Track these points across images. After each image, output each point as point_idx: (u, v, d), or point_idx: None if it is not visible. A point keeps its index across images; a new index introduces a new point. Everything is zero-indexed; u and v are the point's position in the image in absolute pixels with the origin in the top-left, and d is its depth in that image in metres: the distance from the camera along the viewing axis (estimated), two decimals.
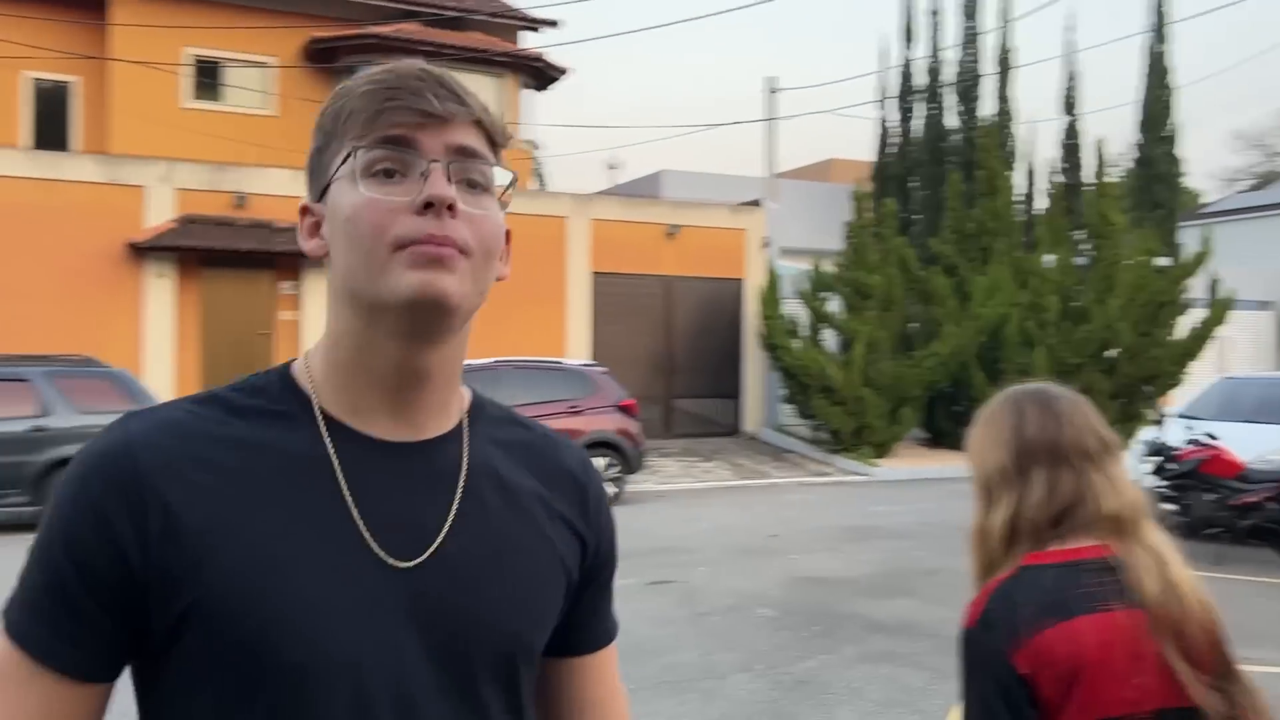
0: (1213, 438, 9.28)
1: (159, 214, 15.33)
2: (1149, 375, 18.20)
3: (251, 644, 0.91)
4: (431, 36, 19.58)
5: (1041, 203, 22.99)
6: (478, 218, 0.97)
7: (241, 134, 18.15)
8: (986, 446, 1.74)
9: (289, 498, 0.96)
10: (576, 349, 17.17)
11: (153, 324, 15.26)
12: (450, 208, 0.94)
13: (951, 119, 22.99)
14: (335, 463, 0.98)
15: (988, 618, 1.60)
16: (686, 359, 18.45)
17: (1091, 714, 1.52)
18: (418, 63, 1.01)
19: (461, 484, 1.03)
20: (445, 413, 1.05)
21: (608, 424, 12.27)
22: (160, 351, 15.27)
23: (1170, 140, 22.50)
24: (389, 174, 0.96)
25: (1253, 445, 9.75)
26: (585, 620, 1.14)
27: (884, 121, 24.22)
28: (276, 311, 16.11)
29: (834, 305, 17.44)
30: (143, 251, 15.04)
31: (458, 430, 1.06)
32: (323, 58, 19.51)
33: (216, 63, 19.14)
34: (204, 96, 18.98)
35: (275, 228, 15.75)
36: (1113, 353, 17.98)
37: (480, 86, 19.01)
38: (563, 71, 20.63)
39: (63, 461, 10.34)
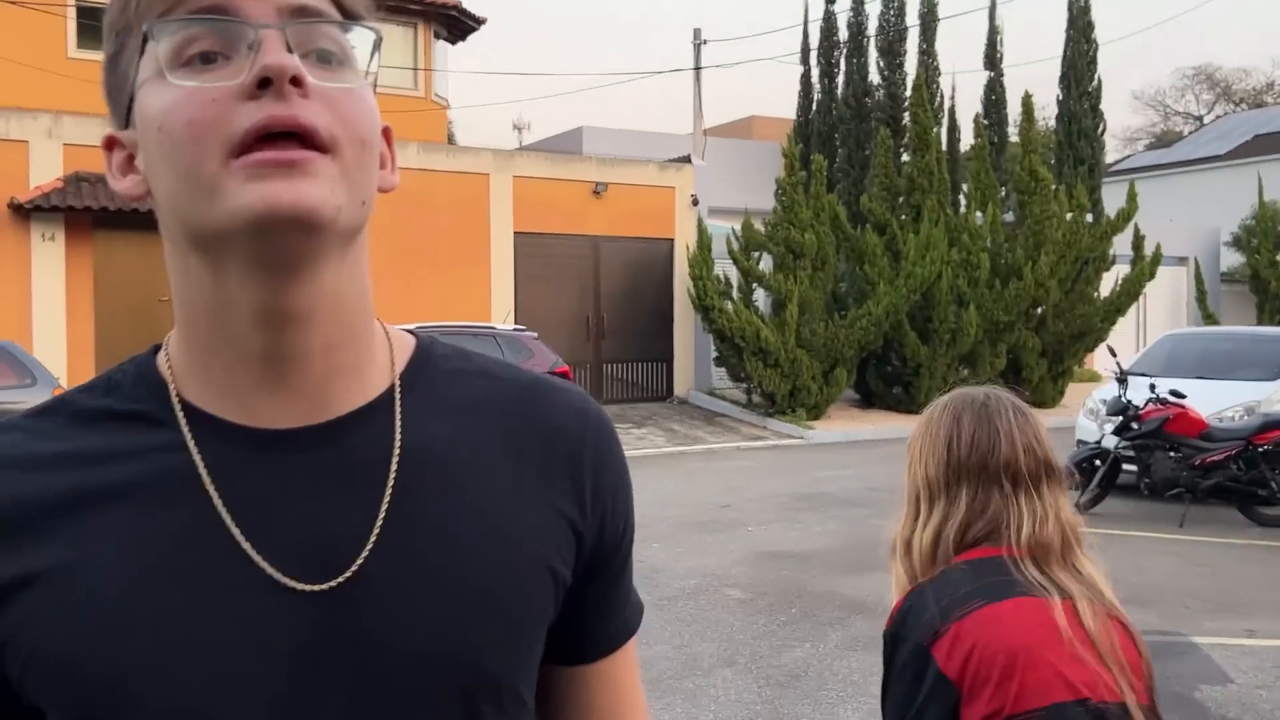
0: (1179, 395, 9.03)
1: (45, 171, 14.14)
2: (1077, 332, 18.19)
3: (93, 717, 0.71)
4: None
5: (964, 159, 22.88)
6: (338, 95, 0.72)
7: None
8: (920, 456, 1.67)
9: (142, 522, 0.74)
10: (501, 313, 16.44)
11: (41, 291, 14.10)
12: (296, 81, 0.69)
13: (875, 75, 22.70)
14: (201, 467, 0.76)
15: (904, 614, 1.55)
16: (615, 322, 17.84)
17: (1039, 698, 1.41)
18: None
19: (393, 475, 0.78)
20: (357, 378, 0.80)
21: None
22: (51, 321, 14.13)
23: (1093, 96, 22.49)
24: (207, 59, 0.71)
25: (1203, 402, 9.56)
26: (594, 621, 0.89)
27: (807, 77, 23.83)
28: None
29: (764, 264, 16.97)
30: (27, 212, 13.85)
31: (385, 400, 0.81)
32: None
33: (104, 8, 17.78)
34: (92, 44, 17.61)
35: None
36: (1040, 310, 17.91)
37: (388, 37, 18.05)
38: (480, 21, 19.70)
39: None
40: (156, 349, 0.82)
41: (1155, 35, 64.65)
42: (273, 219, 0.68)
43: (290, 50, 0.70)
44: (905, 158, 20.81)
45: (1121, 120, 65.10)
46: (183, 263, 0.76)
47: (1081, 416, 11.06)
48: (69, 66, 16.68)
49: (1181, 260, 24.12)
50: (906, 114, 21.39)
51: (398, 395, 0.81)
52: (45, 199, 13.73)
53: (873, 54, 22.58)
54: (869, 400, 17.98)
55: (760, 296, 17.16)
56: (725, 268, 16.99)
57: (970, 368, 17.43)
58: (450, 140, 25.95)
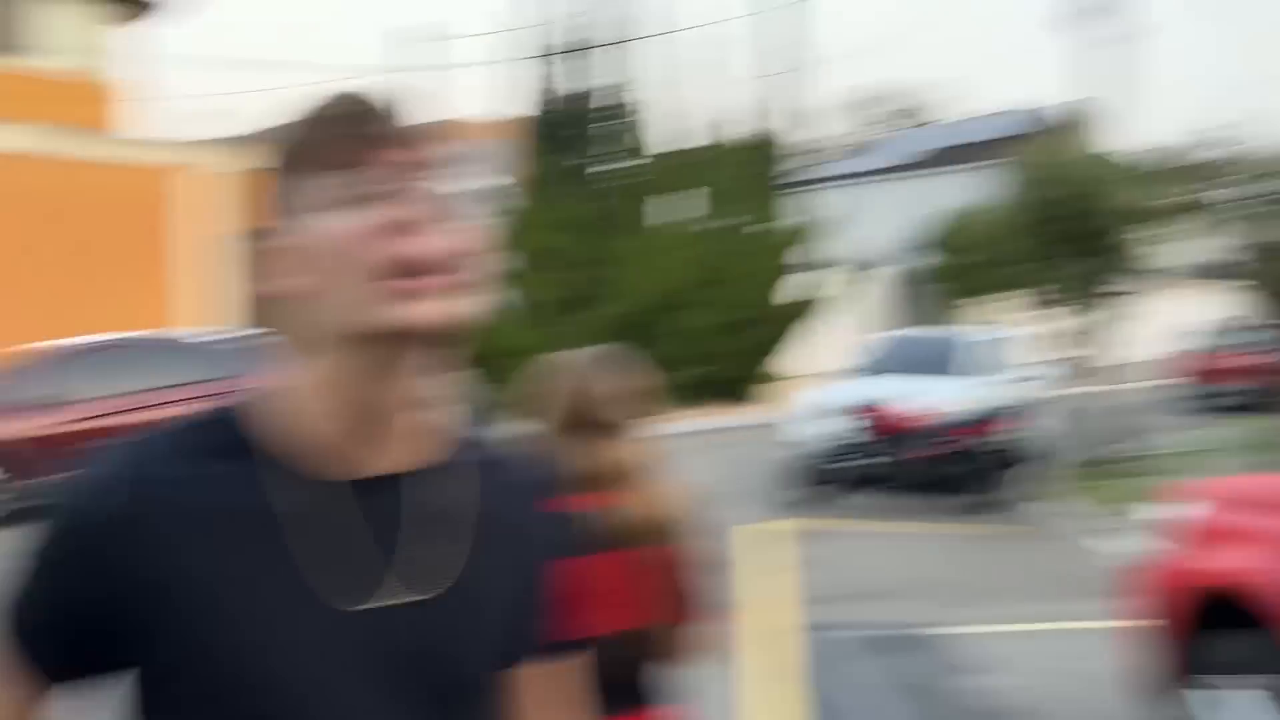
0: (884, 398, 9.56)
1: None
2: (775, 336, 19.06)
3: (229, 698, 0.92)
4: None
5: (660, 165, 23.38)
6: (456, 229, 0.95)
7: None
8: (541, 407, 2.17)
9: (238, 547, 0.93)
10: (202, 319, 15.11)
11: None
12: (425, 222, 0.92)
13: (567, 81, 22.65)
14: (278, 506, 0.94)
15: None
16: None
17: (582, 633, 1.89)
18: (352, 90, 0.97)
19: (424, 518, 0.98)
20: (413, 441, 0.98)
21: None
22: None
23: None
24: (357, 201, 0.92)
25: (908, 401, 10.06)
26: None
27: (513, 80, 23.52)
28: None
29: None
30: None
31: (431, 458, 1.00)
32: None
33: None
34: None
35: None
36: (744, 316, 18.59)
37: (59, 16, 16.45)
38: (149, 3, 18.03)
39: None
40: (242, 399, 0.98)
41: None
42: (413, 331, 0.90)
43: (420, 193, 0.92)
44: (605, 167, 21.02)
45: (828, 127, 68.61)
46: (311, 348, 0.95)
47: (791, 420, 11.38)
48: None
49: (869, 266, 25.72)
50: (608, 120, 21.64)
51: (443, 456, 1.00)
52: None
53: (573, 61, 22.55)
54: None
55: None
56: None
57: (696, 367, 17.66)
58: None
